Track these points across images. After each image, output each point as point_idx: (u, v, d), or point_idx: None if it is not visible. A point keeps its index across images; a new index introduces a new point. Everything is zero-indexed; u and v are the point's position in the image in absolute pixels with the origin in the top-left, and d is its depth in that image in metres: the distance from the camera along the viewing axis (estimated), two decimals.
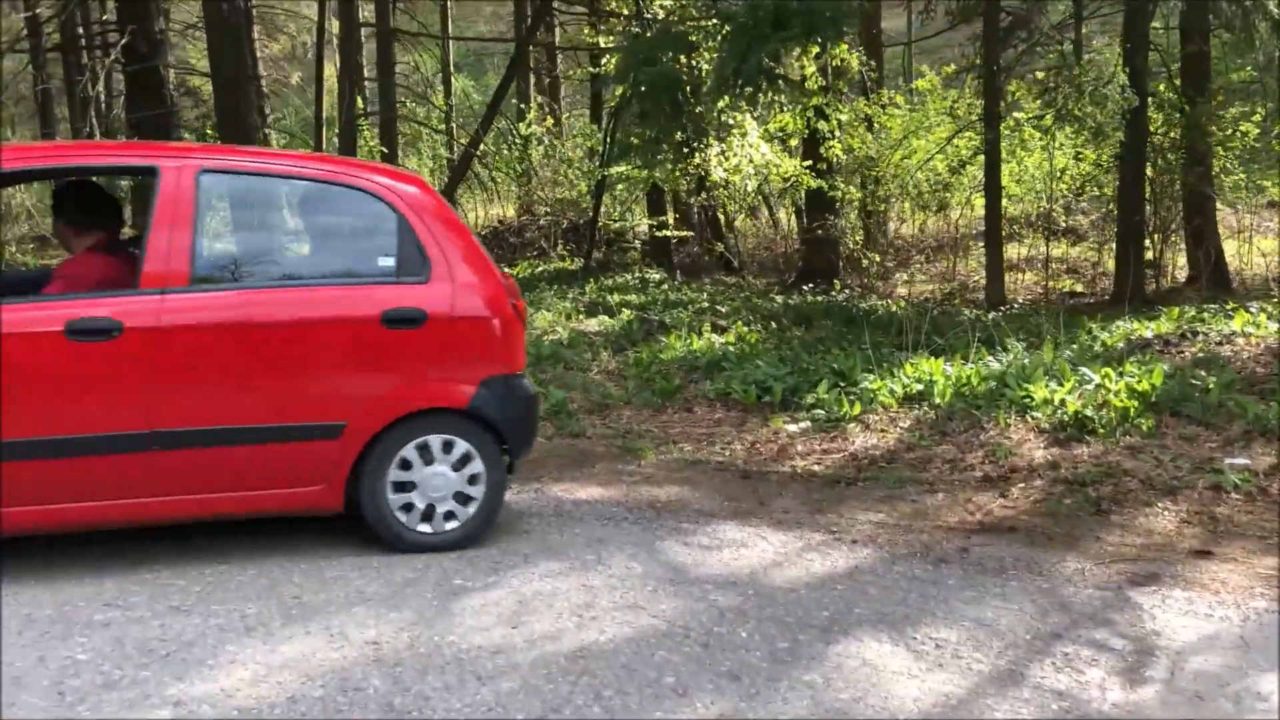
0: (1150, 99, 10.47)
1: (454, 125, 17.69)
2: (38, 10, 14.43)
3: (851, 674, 3.35)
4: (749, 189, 11.72)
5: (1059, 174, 12.99)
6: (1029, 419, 6.41)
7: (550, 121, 18.08)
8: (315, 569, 4.11)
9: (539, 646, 3.50)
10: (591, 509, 5.04)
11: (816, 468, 5.93)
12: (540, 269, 14.90)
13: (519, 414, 4.44)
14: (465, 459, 4.32)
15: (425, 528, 4.30)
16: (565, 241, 15.98)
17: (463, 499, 4.34)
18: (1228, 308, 9.77)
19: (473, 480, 4.34)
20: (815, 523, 4.95)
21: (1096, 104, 9.58)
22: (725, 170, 10.61)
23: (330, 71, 17.41)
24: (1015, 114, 11.61)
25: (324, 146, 16.05)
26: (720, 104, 8.94)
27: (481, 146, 13.37)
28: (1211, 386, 6.64)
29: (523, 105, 17.26)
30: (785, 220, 15.89)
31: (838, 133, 11.81)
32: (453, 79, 19.16)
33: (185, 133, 13.88)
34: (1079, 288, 13.70)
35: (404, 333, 4.18)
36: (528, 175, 15.88)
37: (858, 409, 6.68)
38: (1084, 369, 7.04)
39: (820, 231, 12.57)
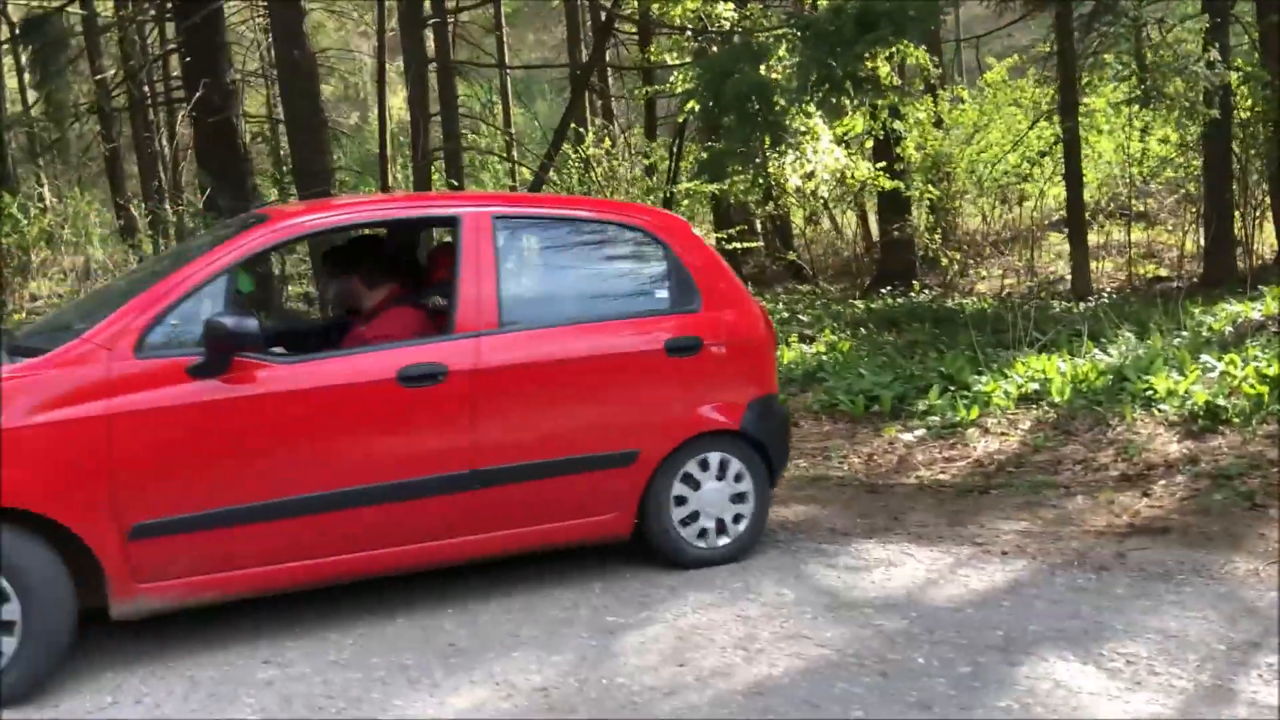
0: (1235, 74, 10.15)
1: (514, 153, 17.74)
2: (105, 75, 14.76)
3: (1047, 698, 3.19)
4: (823, 195, 11.56)
5: (1138, 158, 12.64)
6: (1155, 412, 6.18)
7: (608, 143, 18.07)
8: (465, 613, 4.03)
9: (712, 684, 3.39)
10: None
11: (943, 477, 5.75)
12: None
13: (780, 432, 4.68)
14: (737, 477, 4.47)
15: (702, 544, 4.43)
16: None
17: (734, 517, 4.47)
18: None
19: (741, 498, 4.49)
20: (957, 535, 4.79)
21: (1188, 82, 9.29)
22: (800, 178, 10.49)
23: (391, 106, 17.59)
24: (1090, 100, 11.33)
25: (390, 184, 16.24)
26: (793, 111, 8.82)
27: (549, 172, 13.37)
28: None
29: (580, 129, 17.25)
30: (849, 225, 15.68)
31: (913, 131, 11.61)
32: (511, 108, 19.25)
33: (258, 179, 14.07)
34: (1163, 272, 13.32)
35: (684, 360, 4.37)
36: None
37: (974, 413, 6.49)
38: (1204, 356, 6.78)
39: (896, 233, 12.36)
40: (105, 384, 3.45)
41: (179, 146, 16.63)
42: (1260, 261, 12.05)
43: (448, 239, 4.84)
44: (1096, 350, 7.56)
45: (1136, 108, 12.08)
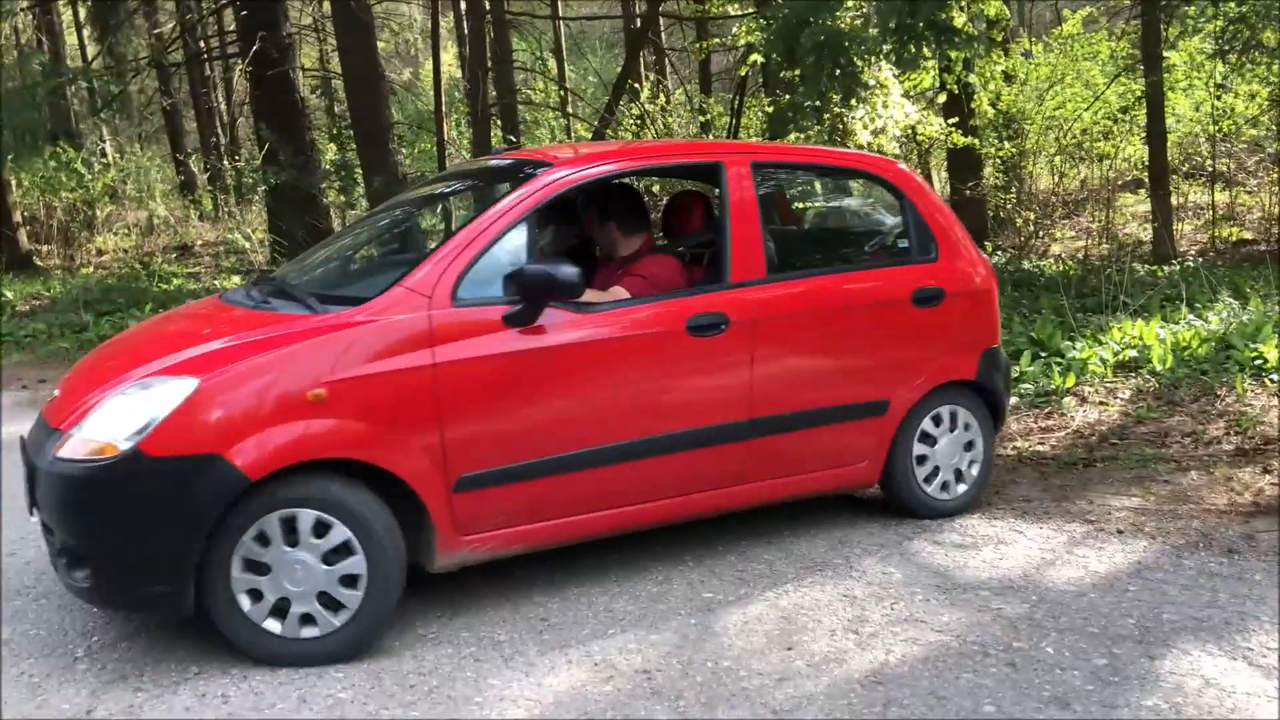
0: None
1: (568, 108, 17.41)
2: (162, 30, 14.61)
3: (1198, 697, 2.93)
4: (895, 152, 11.14)
5: (1222, 114, 12.04)
6: (1268, 383, 5.82)
7: (663, 98, 17.68)
8: (554, 586, 3.85)
9: (826, 671, 3.17)
10: (815, 505, 4.68)
11: (1041, 448, 5.46)
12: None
13: (1006, 383, 4.65)
14: (966, 426, 4.48)
15: (945, 495, 4.45)
16: None
17: (968, 463, 4.50)
18: None
19: (970, 446, 4.49)
20: (1065, 511, 4.51)
21: None
22: (871, 133, 10.09)
23: (444, 62, 17.31)
24: (1171, 55, 10.74)
25: (445, 139, 15.99)
26: (869, 62, 8.43)
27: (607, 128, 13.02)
28: None
29: (635, 83, 16.88)
30: None
31: (988, 85, 11.12)
32: (565, 62, 18.87)
33: (315, 134, 13.90)
34: (1248, 235, 12.75)
35: (928, 310, 4.34)
36: None
37: (1070, 380, 6.17)
38: None
39: (969, 192, 11.91)
40: (428, 333, 3.37)
41: (236, 102, 16.50)
42: None
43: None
44: (1192, 316, 7.18)
45: (1218, 62, 11.50)
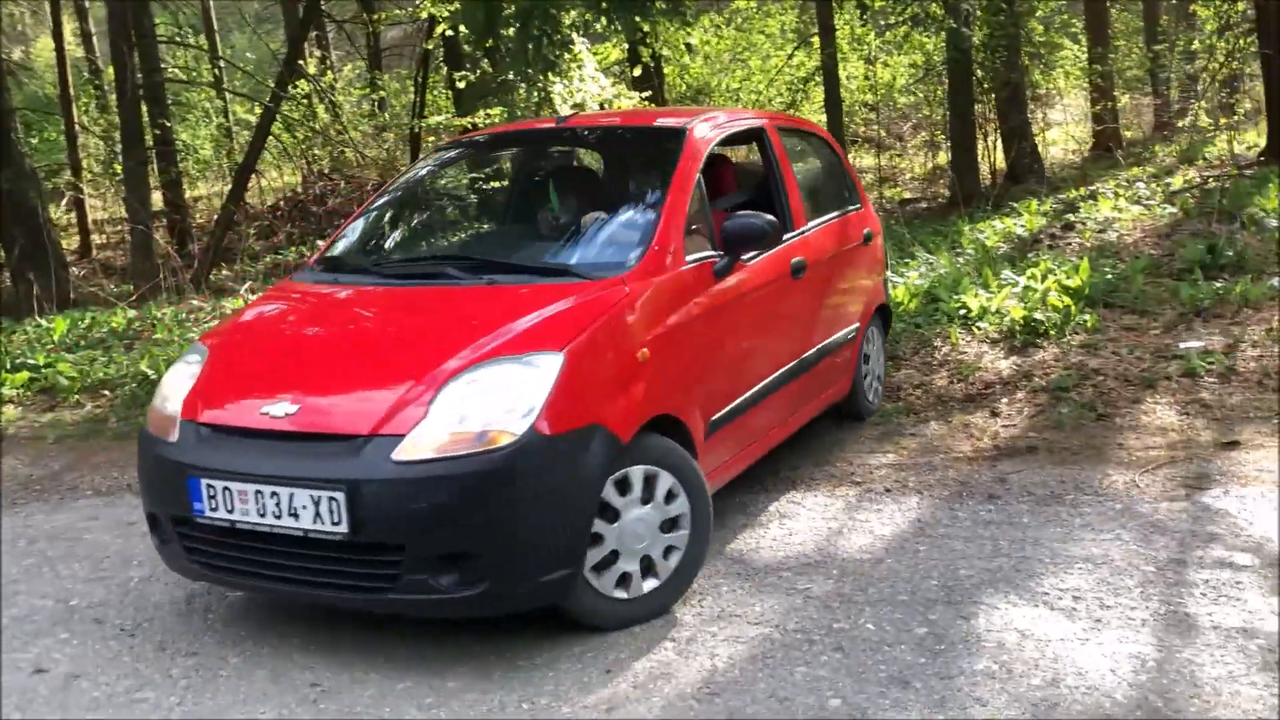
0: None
1: (226, 89, 15.84)
2: None
3: (1020, 652, 2.93)
4: None
5: (889, 85, 13.01)
6: (975, 330, 6.21)
7: (330, 76, 16.57)
8: (315, 640, 3.25)
9: (656, 691, 2.88)
10: None
11: None
12: None
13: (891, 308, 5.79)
14: (880, 343, 5.46)
15: (875, 399, 5.32)
16: None
17: (882, 372, 5.51)
18: (1074, 196, 10.06)
19: (878, 356, 5.43)
20: (830, 476, 4.51)
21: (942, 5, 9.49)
22: (570, 106, 9.87)
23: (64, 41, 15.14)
24: (843, 28, 11.43)
25: (76, 125, 14.03)
26: (576, 33, 8.17)
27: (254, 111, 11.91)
28: (1132, 275, 6.67)
29: (299, 61, 15.66)
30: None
31: (679, 57, 11.26)
32: (216, 35, 17.14)
33: None
34: (908, 194, 13.91)
35: (868, 248, 5.19)
36: (321, 135, 14.40)
37: None
38: (1006, 273, 6.92)
39: None
40: (681, 290, 3.55)
41: None
42: (996, 180, 12.79)
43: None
44: (890, 274, 7.58)
45: (873, 35, 12.41)
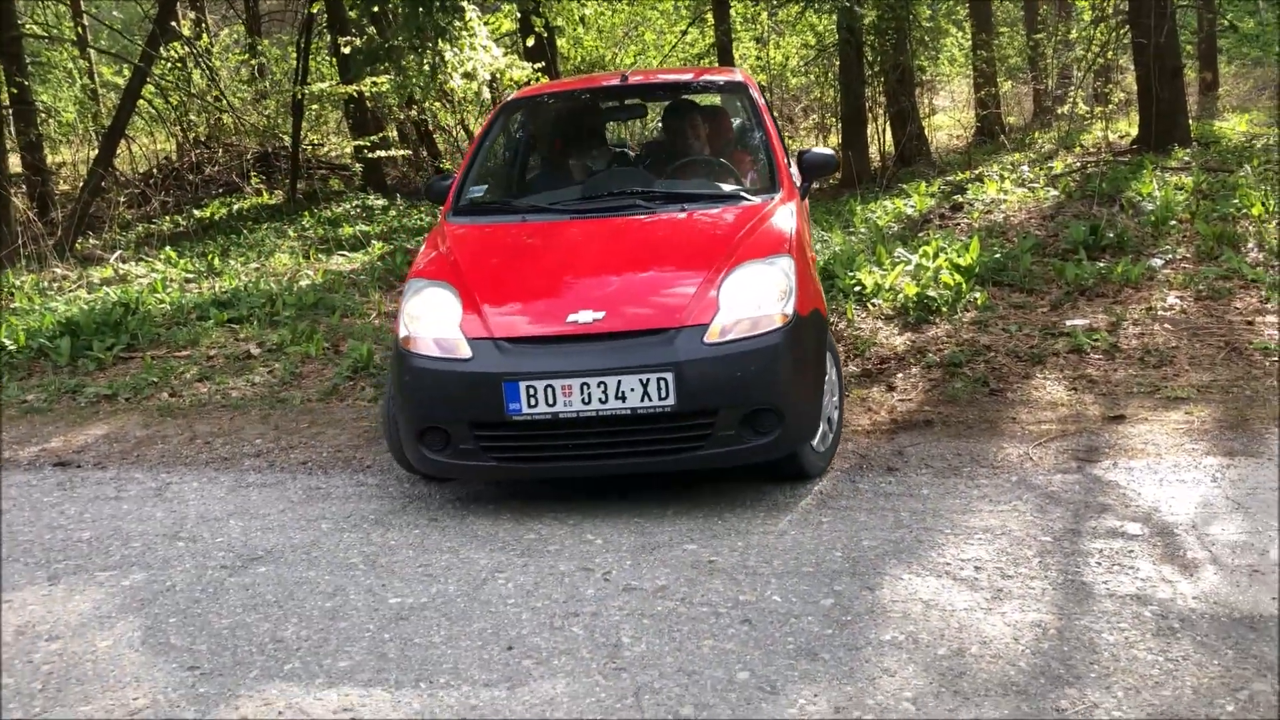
0: None
1: (92, 47, 14.90)
2: None
3: (926, 622, 2.93)
4: (485, 97, 10.72)
5: (776, 64, 13.06)
6: (870, 307, 6.27)
7: (206, 39, 15.80)
8: (196, 619, 3.04)
9: (562, 669, 2.77)
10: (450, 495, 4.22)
11: None
12: (237, 206, 13.04)
13: None
14: None
15: None
16: (257, 174, 14.08)
17: None
18: (962, 179, 10.29)
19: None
20: None
21: None
22: (462, 75, 9.59)
23: None
24: (745, 3, 11.40)
25: None
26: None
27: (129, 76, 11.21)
28: (1020, 254, 6.83)
29: (173, 22, 14.86)
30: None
31: (572, 30, 11.06)
32: None
33: None
34: None
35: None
36: (198, 101, 13.70)
37: None
38: (899, 251, 7.01)
39: None
40: (804, 206, 4.63)
41: None
42: (885, 162, 13.00)
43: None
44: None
45: (764, 14, 12.45)
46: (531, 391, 3.50)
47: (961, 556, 3.33)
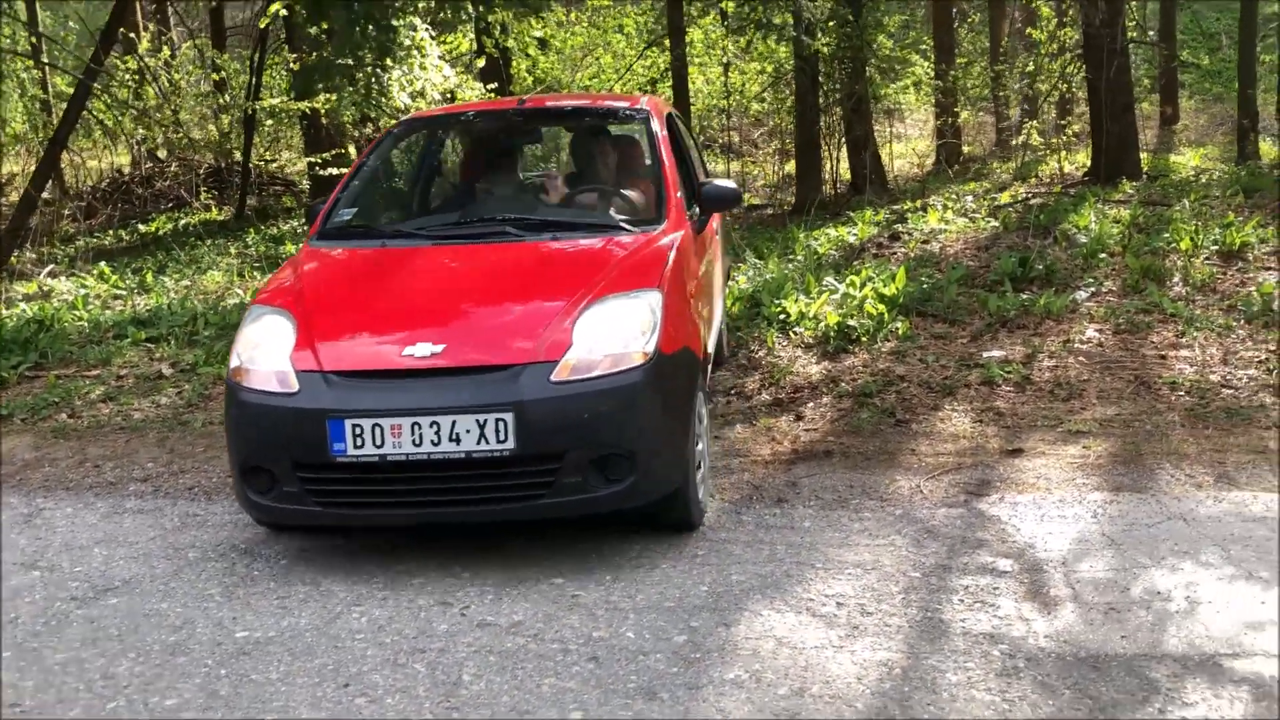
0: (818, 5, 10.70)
1: (46, 62, 14.80)
2: None
3: (774, 660, 2.88)
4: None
5: (737, 90, 13.10)
6: (792, 335, 6.25)
7: (167, 52, 15.73)
8: (23, 656, 2.96)
9: (393, 708, 2.70)
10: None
11: None
12: (184, 222, 12.93)
13: None
14: None
15: None
16: (207, 189, 13.98)
17: None
18: (907, 208, 10.32)
19: None
20: None
21: (789, 13, 9.59)
22: (410, 95, 9.57)
23: None
24: (695, 28, 11.43)
25: None
26: (404, 19, 7.90)
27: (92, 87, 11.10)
28: (947, 285, 6.83)
29: (131, 34, 14.79)
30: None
31: (528, 50, 11.05)
32: (37, 3, 15.98)
33: None
34: (756, 200, 14.05)
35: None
36: (147, 116, 13.60)
37: None
38: (828, 279, 7.00)
39: None
40: (692, 239, 4.32)
41: None
42: (840, 189, 13.04)
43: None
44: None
45: (728, 40, 12.49)
46: (358, 430, 3.23)
47: (826, 592, 3.28)
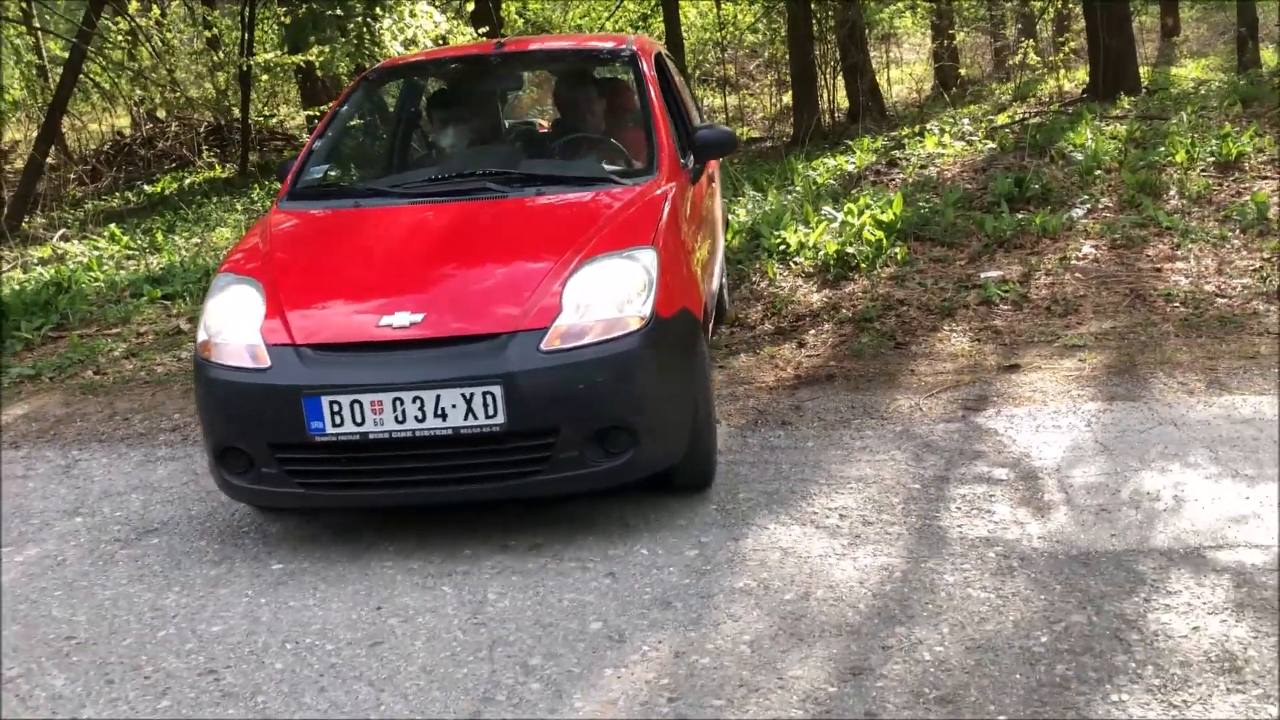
0: None
1: (35, 24, 14.76)
2: None
3: (780, 569, 3.05)
4: None
5: (730, 22, 13.03)
6: (792, 265, 6.35)
7: (157, 10, 15.64)
8: (75, 590, 3.15)
9: (424, 628, 2.88)
10: None
11: None
12: (189, 181, 13.03)
13: None
14: None
15: None
16: (208, 147, 14.03)
17: None
18: (905, 134, 10.33)
19: None
20: None
21: None
22: (402, 43, 9.57)
23: None
24: None
25: None
26: None
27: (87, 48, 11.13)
28: (944, 209, 6.91)
29: None
30: None
31: None
32: None
33: None
34: (755, 133, 14.04)
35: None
36: (143, 77, 13.60)
37: None
38: (826, 209, 7.08)
39: None
40: (688, 189, 4.13)
41: None
42: (838, 118, 13.02)
43: None
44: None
45: None
46: (336, 408, 3.04)
47: (829, 505, 3.45)
